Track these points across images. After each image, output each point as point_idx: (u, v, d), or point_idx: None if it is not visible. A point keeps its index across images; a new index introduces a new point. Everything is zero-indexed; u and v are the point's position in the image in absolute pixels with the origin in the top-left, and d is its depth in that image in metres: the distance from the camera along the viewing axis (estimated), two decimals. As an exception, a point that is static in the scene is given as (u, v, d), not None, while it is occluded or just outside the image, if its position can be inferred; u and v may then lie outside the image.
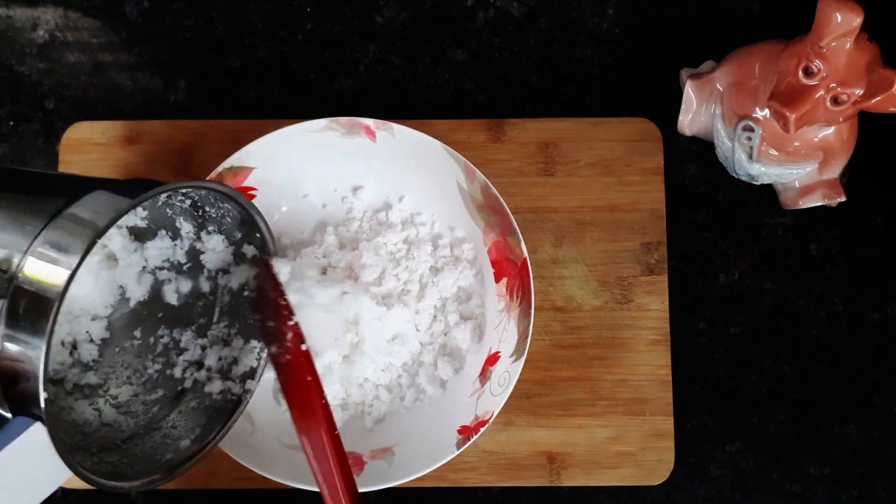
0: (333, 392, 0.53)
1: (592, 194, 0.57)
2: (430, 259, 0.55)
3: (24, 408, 0.36)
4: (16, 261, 0.37)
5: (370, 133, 0.54)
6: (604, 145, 0.58)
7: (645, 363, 0.55)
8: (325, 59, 0.60)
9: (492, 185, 0.53)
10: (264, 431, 0.52)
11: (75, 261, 0.36)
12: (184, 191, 0.46)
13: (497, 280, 0.54)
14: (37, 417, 0.36)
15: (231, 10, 0.60)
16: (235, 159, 0.52)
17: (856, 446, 0.55)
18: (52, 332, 0.35)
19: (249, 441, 0.51)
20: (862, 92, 0.46)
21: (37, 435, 0.36)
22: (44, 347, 0.35)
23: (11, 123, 0.59)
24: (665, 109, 0.57)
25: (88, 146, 0.58)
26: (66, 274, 0.36)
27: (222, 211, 0.48)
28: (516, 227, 0.53)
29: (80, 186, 0.40)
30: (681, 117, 0.56)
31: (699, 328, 0.57)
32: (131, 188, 0.40)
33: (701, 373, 0.56)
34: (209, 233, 0.50)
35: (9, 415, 0.37)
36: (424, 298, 0.54)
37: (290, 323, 0.45)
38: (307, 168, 0.55)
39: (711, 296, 0.57)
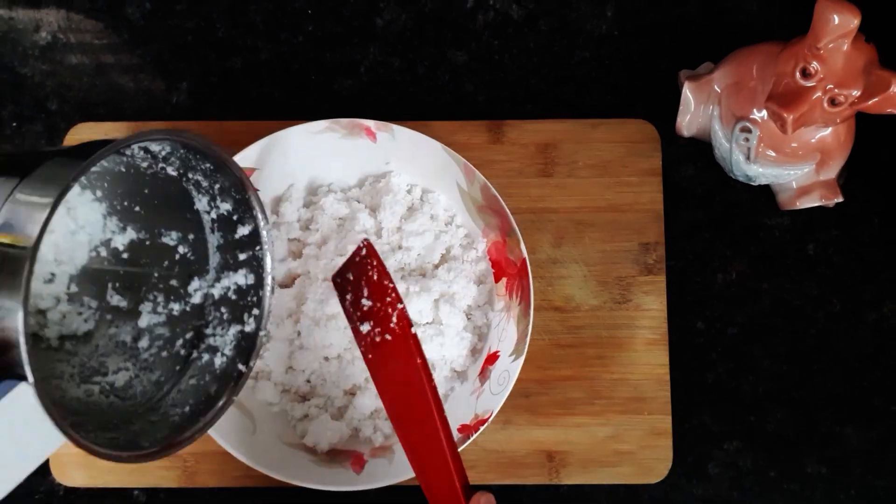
0: (374, 403, 0.53)
1: (591, 195, 0.58)
2: (430, 258, 0.55)
3: (9, 371, 0.35)
4: None
5: (371, 134, 0.54)
6: (603, 146, 0.58)
7: (643, 362, 0.56)
8: (325, 60, 0.60)
9: (491, 186, 0.53)
10: (265, 430, 0.52)
11: (44, 214, 0.35)
12: (155, 150, 0.44)
13: (497, 280, 0.55)
14: (21, 378, 0.34)
15: (232, 12, 0.61)
16: (236, 160, 0.53)
17: (854, 446, 0.56)
18: (27, 287, 0.34)
19: (251, 440, 0.51)
20: (859, 93, 0.47)
21: (23, 396, 0.34)
22: (20, 304, 0.34)
23: (14, 125, 0.59)
24: (663, 111, 0.58)
25: (91, 147, 0.58)
26: (36, 229, 0.34)
27: (211, 178, 0.47)
28: (516, 227, 0.53)
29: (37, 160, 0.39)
30: (679, 118, 0.56)
31: (697, 328, 0.57)
32: (88, 150, 0.38)
33: (699, 372, 0.57)
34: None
35: None
36: (425, 297, 0.54)
37: (400, 306, 0.45)
38: (308, 169, 0.55)
39: (709, 296, 0.57)
